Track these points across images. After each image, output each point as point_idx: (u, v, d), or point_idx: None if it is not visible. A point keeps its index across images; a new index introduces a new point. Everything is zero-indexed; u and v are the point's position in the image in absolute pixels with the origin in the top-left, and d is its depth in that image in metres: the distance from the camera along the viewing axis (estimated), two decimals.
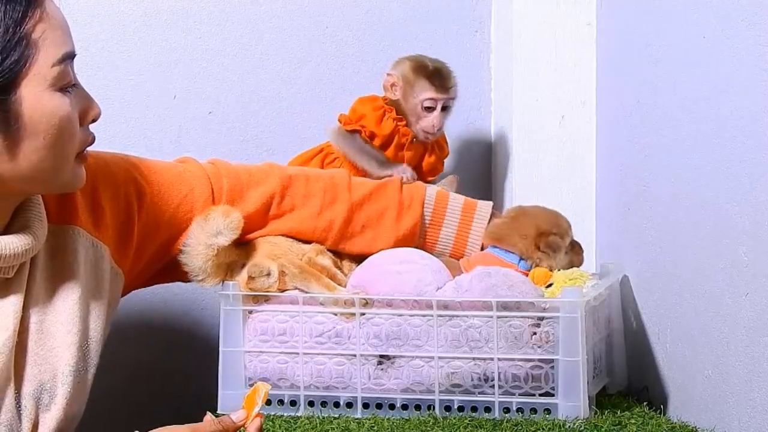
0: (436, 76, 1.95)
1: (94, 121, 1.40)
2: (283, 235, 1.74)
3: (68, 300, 1.46)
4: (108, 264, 1.53)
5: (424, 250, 1.78)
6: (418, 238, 1.79)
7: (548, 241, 1.76)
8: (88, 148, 1.42)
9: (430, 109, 1.94)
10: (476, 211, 1.82)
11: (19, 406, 1.40)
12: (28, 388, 1.41)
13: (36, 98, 1.31)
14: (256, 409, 1.34)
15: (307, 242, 1.75)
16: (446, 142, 2.05)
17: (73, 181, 1.41)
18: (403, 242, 1.77)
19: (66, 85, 1.34)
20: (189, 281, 1.68)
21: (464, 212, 1.81)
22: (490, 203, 1.85)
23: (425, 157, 2.00)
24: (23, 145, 1.32)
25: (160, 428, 1.31)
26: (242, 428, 1.34)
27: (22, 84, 1.30)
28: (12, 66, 1.29)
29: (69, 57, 1.35)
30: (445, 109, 1.96)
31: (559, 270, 1.76)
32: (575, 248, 1.82)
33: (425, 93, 1.94)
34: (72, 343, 1.45)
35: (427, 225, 1.80)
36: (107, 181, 1.56)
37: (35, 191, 1.42)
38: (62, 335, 1.44)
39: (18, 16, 1.30)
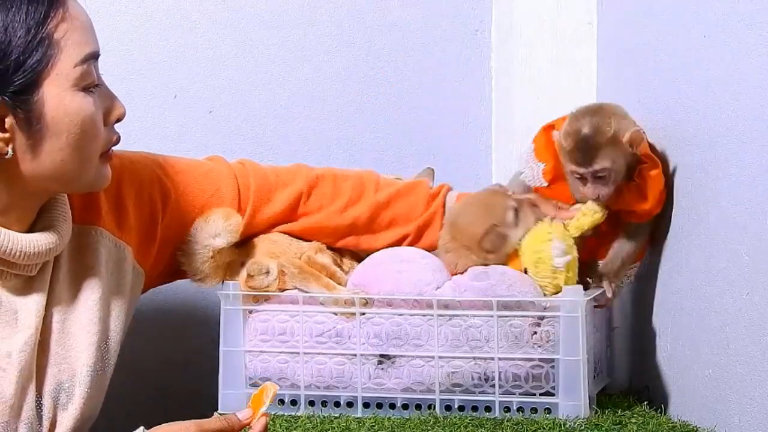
0: (579, 148, 1.68)
1: (119, 120, 1.42)
2: (307, 230, 1.74)
3: (89, 300, 1.47)
4: (130, 265, 1.54)
5: None
6: (437, 229, 1.76)
7: (490, 239, 1.68)
8: (114, 147, 1.43)
9: (581, 180, 1.71)
10: None
11: (40, 405, 1.40)
12: (47, 387, 1.42)
13: (59, 98, 1.32)
14: (263, 409, 1.34)
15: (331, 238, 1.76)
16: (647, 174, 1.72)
17: (98, 180, 1.41)
18: (424, 231, 1.77)
19: (89, 84, 1.35)
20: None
21: None
22: None
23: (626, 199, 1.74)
24: (46, 144, 1.33)
25: (165, 424, 1.31)
26: (247, 427, 1.34)
27: (45, 84, 1.32)
28: (34, 66, 1.30)
29: (92, 57, 1.36)
30: (600, 178, 1.69)
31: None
32: (524, 209, 1.70)
33: (569, 165, 1.71)
34: (91, 343, 1.46)
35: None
36: (132, 181, 1.56)
37: (60, 190, 1.43)
38: (82, 335, 1.45)
39: (40, 17, 1.31)
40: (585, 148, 1.68)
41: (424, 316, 1.65)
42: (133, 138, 2.10)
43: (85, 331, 1.45)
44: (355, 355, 1.67)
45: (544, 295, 1.64)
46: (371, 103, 2.23)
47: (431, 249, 1.76)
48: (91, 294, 1.47)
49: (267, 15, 2.20)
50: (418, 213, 1.77)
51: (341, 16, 2.21)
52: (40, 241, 1.39)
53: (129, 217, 1.55)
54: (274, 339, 1.69)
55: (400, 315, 1.66)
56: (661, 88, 1.78)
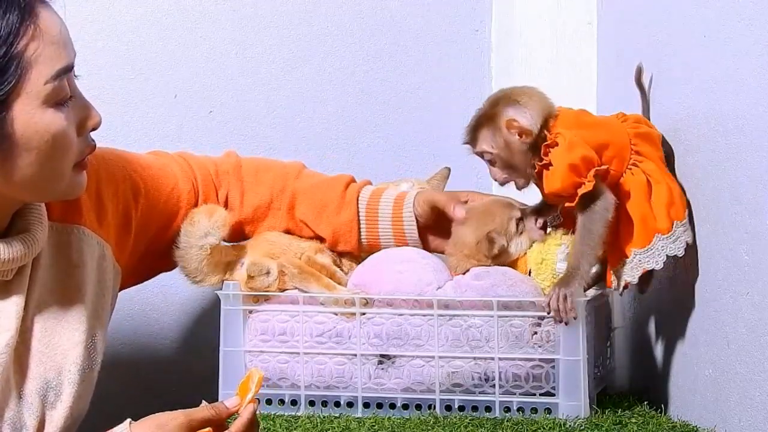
0: (468, 126, 1.67)
1: (94, 129, 1.38)
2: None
3: (74, 299, 1.46)
4: (110, 262, 1.54)
5: (371, 245, 1.77)
6: (357, 233, 1.76)
7: (484, 245, 1.68)
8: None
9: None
10: (405, 200, 1.77)
11: (23, 404, 1.40)
12: (33, 386, 1.41)
13: (28, 116, 1.29)
14: (250, 395, 1.34)
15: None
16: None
17: (73, 189, 1.40)
18: (341, 236, 1.76)
19: (61, 99, 1.32)
20: (172, 269, 1.70)
21: (396, 203, 1.77)
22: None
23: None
24: (16, 161, 1.31)
25: (153, 414, 1.31)
26: (236, 414, 1.34)
27: (14, 103, 1.28)
28: (3, 86, 1.27)
29: (65, 71, 1.32)
30: (490, 162, 1.66)
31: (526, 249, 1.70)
32: (529, 220, 1.70)
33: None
34: (79, 341, 1.45)
35: (366, 220, 1.77)
36: (109, 180, 1.56)
37: (34, 200, 1.42)
38: (69, 333, 1.45)
39: (9, 36, 1.27)
40: (469, 128, 1.66)
41: (424, 316, 1.65)
42: (133, 138, 2.13)
43: (72, 329, 1.45)
44: (355, 355, 1.67)
45: (544, 295, 1.63)
46: (371, 103, 2.23)
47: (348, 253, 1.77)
48: (75, 292, 1.47)
49: (267, 15, 2.20)
50: (331, 212, 1.75)
51: (341, 16, 2.21)
52: (14, 246, 1.37)
53: (108, 215, 1.55)
54: (274, 339, 1.70)
55: (401, 315, 1.66)
56: (661, 88, 1.78)
